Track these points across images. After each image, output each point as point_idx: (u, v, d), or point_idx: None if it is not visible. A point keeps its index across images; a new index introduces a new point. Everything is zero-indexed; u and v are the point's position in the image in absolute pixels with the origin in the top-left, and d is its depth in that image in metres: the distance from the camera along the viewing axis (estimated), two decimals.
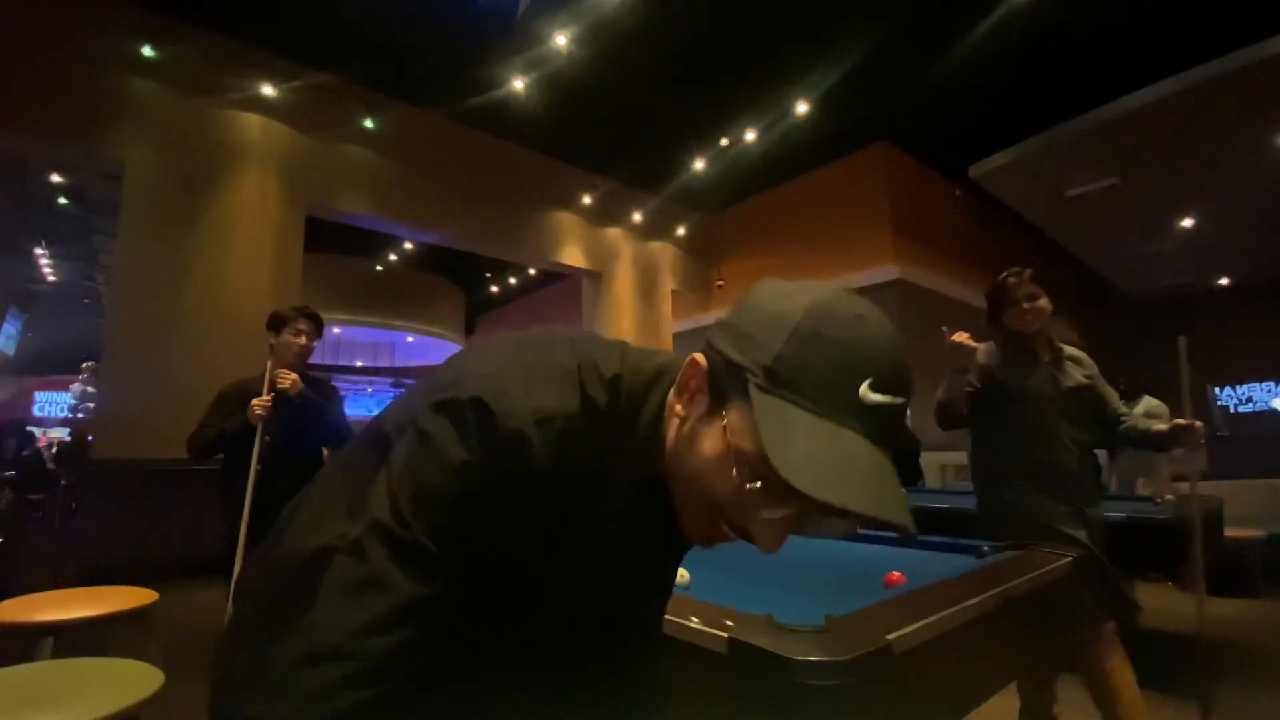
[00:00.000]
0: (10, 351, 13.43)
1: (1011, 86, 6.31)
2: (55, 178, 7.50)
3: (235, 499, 2.27)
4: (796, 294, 0.55)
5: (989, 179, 7.09)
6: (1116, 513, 2.48)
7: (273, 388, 2.35)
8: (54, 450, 9.41)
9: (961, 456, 3.51)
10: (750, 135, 7.11)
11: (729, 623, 1.05)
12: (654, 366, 0.63)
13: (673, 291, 9.41)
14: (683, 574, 1.44)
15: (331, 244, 9.84)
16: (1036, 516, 1.93)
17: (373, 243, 9.83)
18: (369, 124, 6.39)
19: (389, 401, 0.81)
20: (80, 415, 14.12)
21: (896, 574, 1.44)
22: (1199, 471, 2.34)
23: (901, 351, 0.55)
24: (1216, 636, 3.17)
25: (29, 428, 7.51)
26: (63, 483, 5.84)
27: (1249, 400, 11.05)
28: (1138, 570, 3.30)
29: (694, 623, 1.06)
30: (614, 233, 8.72)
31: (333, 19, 5.38)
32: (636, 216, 8.79)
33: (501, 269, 12.07)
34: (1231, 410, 11.00)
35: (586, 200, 8.23)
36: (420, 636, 0.50)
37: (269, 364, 2.40)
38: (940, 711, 1.12)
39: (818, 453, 0.49)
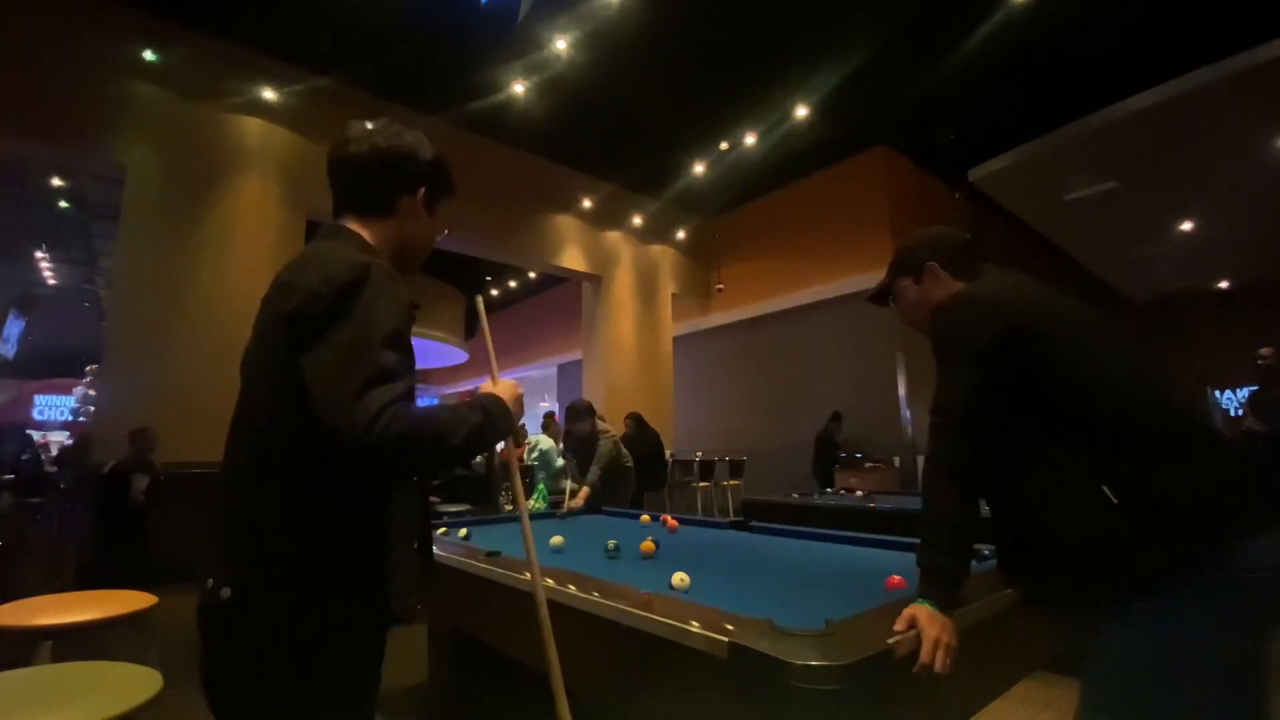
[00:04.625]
0: (10, 355, 13.41)
1: (1011, 90, 6.33)
2: (56, 181, 7.51)
3: None
4: None
5: (988, 183, 7.09)
6: None
7: None
8: (51, 452, 9.40)
9: None
10: (750, 139, 7.13)
11: (729, 627, 1.05)
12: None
13: (672, 295, 9.42)
14: (683, 578, 1.44)
15: None
16: None
17: None
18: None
19: None
20: (83, 419, 14.12)
21: (897, 578, 1.43)
22: None
23: None
24: None
25: (28, 431, 7.49)
26: (62, 486, 5.83)
27: None
28: None
29: (694, 627, 1.06)
30: (614, 236, 8.73)
31: (333, 23, 5.40)
32: (636, 220, 8.80)
33: (501, 272, 12.08)
34: (1231, 414, 10.98)
35: (586, 204, 8.24)
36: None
37: None
38: (941, 716, 1.12)
39: None
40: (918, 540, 1.17)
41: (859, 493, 4.58)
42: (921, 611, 1.05)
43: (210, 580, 0.89)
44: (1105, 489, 1.05)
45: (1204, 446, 1.09)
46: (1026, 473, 1.16)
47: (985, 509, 1.30)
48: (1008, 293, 1.25)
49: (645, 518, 2.83)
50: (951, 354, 1.21)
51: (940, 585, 1.10)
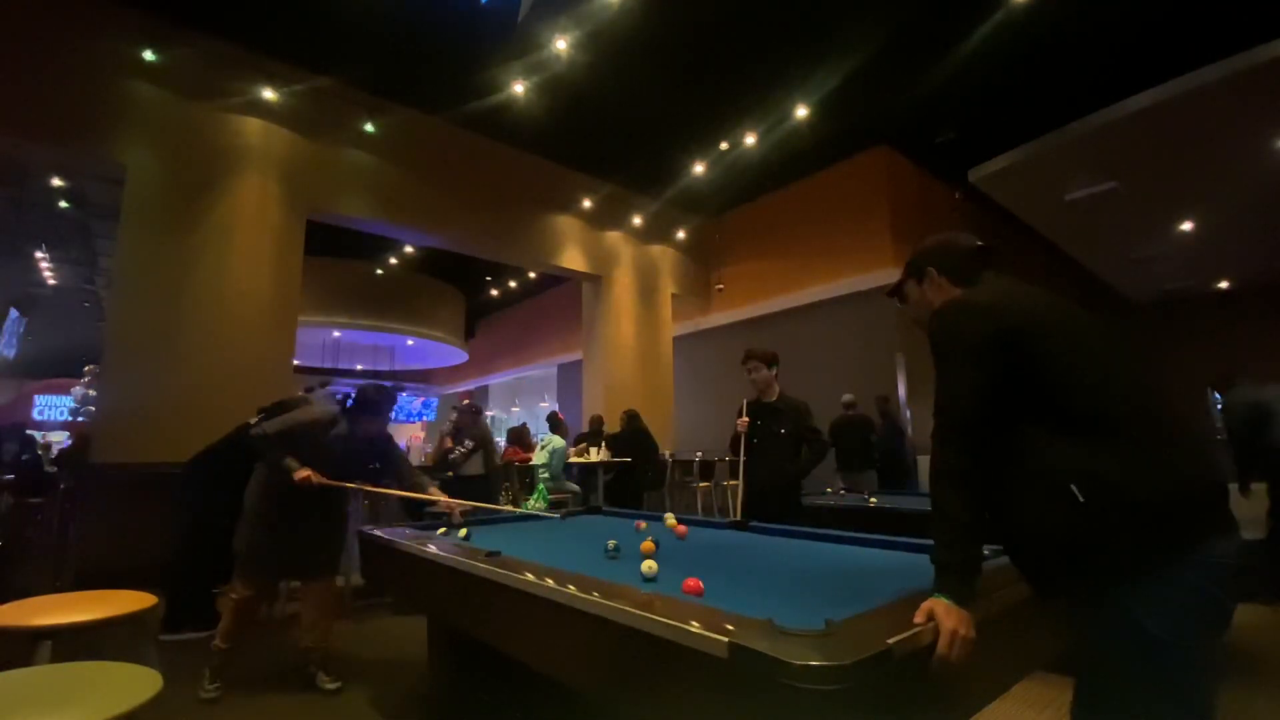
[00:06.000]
0: (10, 355, 13.41)
1: (1011, 90, 6.32)
2: (56, 181, 7.50)
3: None
4: None
5: (989, 183, 7.09)
6: None
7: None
8: (51, 452, 9.40)
9: None
10: (750, 139, 7.12)
11: (729, 627, 1.05)
12: None
13: (672, 295, 9.41)
14: (651, 565, 1.44)
15: (332, 247, 9.85)
16: None
17: (373, 246, 9.84)
18: (369, 128, 6.40)
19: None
20: (82, 419, 14.12)
21: (694, 580, 1.43)
22: None
23: None
24: None
25: (29, 431, 7.48)
26: (61, 486, 5.83)
27: None
28: None
29: (694, 627, 1.06)
30: (614, 236, 8.73)
31: (333, 23, 5.39)
32: (636, 220, 8.80)
33: (501, 272, 12.08)
34: None
35: (586, 204, 8.24)
36: None
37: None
38: (942, 716, 1.12)
39: None
40: (930, 540, 1.21)
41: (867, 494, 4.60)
42: (939, 605, 1.08)
43: None
44: (1073, 488, 1.07)
45: (1177, 448, 1.11)
46: (1004, 471, 1.18)
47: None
48: (998, 297, 1.28)
49: (641, 524, 2.70)
50: (947, 359, 1.25)
51: (955, 579, 1.13)
